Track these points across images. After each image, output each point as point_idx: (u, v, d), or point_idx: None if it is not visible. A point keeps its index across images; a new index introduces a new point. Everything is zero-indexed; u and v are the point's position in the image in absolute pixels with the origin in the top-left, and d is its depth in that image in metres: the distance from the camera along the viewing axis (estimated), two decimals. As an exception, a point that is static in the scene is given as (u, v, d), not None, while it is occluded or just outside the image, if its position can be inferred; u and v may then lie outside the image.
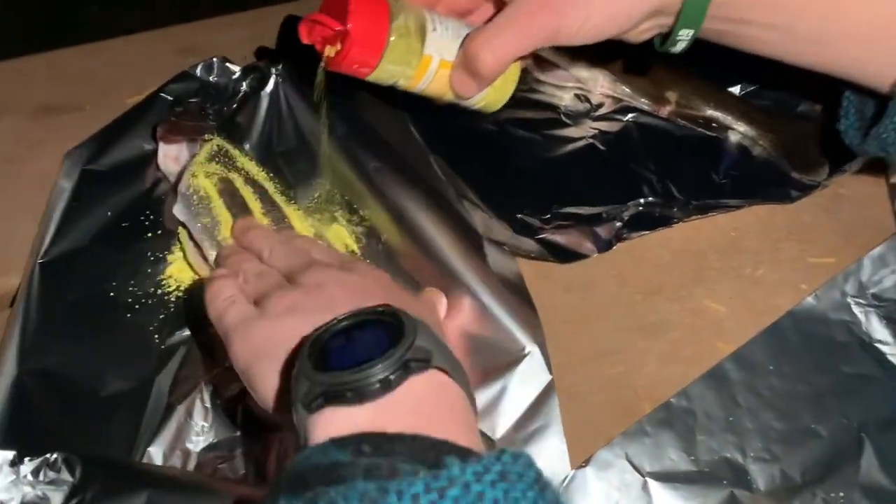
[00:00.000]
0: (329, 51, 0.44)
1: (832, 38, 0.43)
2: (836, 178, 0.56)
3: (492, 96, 0.49)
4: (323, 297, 0.37)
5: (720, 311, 0.51)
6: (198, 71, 0.58)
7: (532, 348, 0.46)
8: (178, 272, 0.52)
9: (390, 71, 0.45)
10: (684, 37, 0.45)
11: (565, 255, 0.53)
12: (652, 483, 0.44)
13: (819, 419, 0.45)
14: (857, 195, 0.56)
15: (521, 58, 0.46)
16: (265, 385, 0.36)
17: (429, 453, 0.28)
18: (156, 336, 0.49)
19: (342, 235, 0.54)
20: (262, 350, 0.36)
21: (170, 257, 0.53)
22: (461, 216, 0.52)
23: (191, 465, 0.44)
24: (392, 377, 0.31)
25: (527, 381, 0.46)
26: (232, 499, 0.40)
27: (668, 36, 0.46)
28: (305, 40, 0.44)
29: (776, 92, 0.61)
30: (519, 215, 0.54)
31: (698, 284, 0.52)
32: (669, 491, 0.44)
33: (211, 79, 0.58)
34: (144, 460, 0.43)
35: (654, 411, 0.46)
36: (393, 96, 0.57)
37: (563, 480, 0.44)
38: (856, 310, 0.48)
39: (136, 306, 0.50)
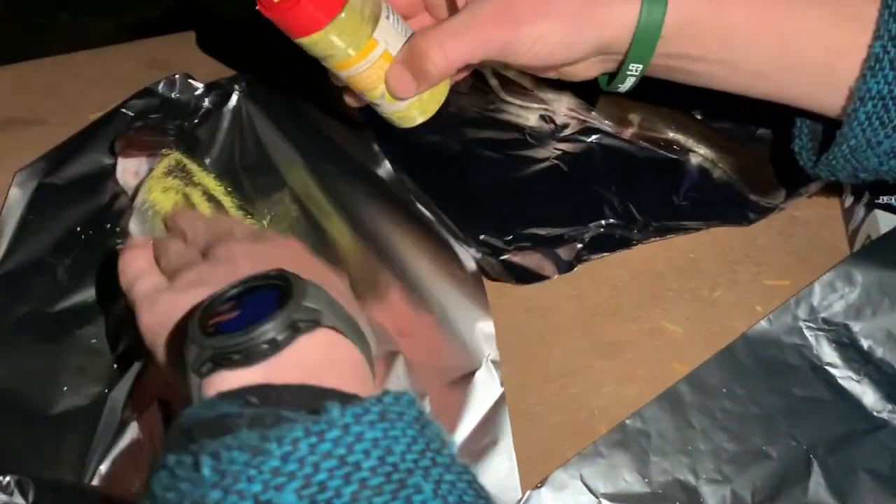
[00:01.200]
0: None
1: (782, 70, 0.44)
2: (792, 201, 0.57)
3: (416, 108, 0.47)
4: (228, 268, 0.37)
5: (677, 332, 0.52)
6: (160, 87, 0.59)
7: (485, 362, 0.47)
8: None
9: (331, 42, 0.41)
10: (633, 72, 0.45)
11: (526, 277, 0.54)
12: (605, 504, 0.45)
13: (769, 441, 0.46)
14: (812, 218, 0.57)
15: (460, 71, 0.46)
16: (166, 356, 0.36)
17: (313, 401, 0.28)
18: (111, 350, 0.49)
19: None
20: (166, 322, 0.36)
21: None
22: (425, 222, 0.53)
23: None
24: (279, 338, 0.31)
25: (479, 395, 0.46)
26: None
27: (615, 74, 0.46)
28: None
29: (736, 116, 0.62)
30: (482, 236, 0.55)
31: (656, 305, 0.53)
32: (622, 512, 0.44)
33: (173, 95, 0.59)
34: (96, 480, 0.43)
35: (609, 433, 0.47)
36: (363, 113, 0.59)
37: (519, 501, 0.44)
38: (807, 333, 0.49)
39: (90, 320, 0.50)
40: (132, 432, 0.46)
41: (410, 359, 0.48)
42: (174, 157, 0.54)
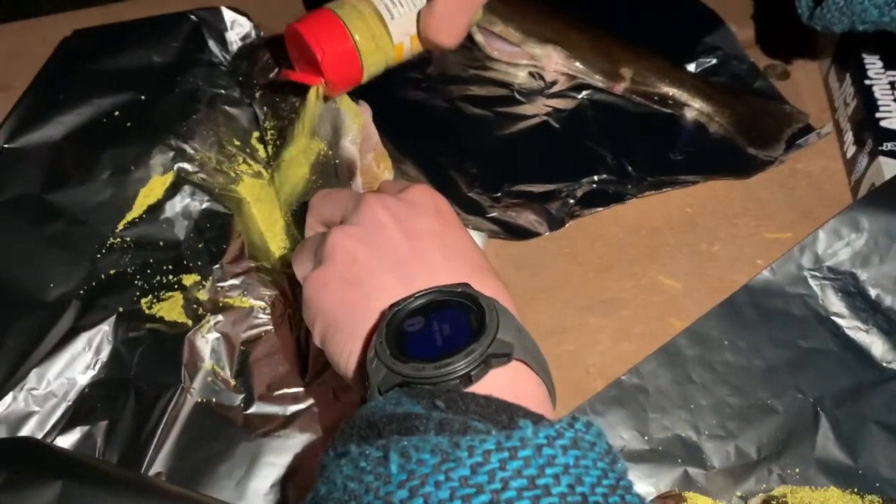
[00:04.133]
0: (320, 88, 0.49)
1: None
2: (792, 153, 0.55)
3: None
4: (416, 259, 0.34)
5: (675, 287, 0.50)
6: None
7: None
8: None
9: (374, 71, 0.49)
10: None
11: (517, 233, 0.51)
12: (603, 462, 0.42)
13: (774, 394, 0.44)
14: (813, 170, 0.55)
15: None
16: (339, 353, 0.34)
17: (501, 415, 0.27)
18: (96, 256, 0.48)
19: None
20: (339, 311, 0.34)
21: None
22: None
23: (72, 397, 0.43)
24: (473, 373, 0.29)
25: None
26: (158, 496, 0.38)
27: None
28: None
29: (733, 68, 0.60)
30: (469, 193, 0.53)
31: (653, 261, 0.51)
32: (621, 470, 0.42)
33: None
34: (28, 383, 0.43)
35: (604, 389, 0.44)
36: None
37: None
38: (812, 283, 0.47)
39: (86, 219, 0.49)
40: (78, 344, 0.45)
41: None
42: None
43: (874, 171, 0.50)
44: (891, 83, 0.54)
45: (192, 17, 0.57)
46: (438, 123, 0.57)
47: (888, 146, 0.51)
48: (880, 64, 0.55)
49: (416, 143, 0.55)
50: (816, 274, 0.47)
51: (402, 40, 0.49)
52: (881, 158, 0.50)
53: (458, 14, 0.48)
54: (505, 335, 0.30)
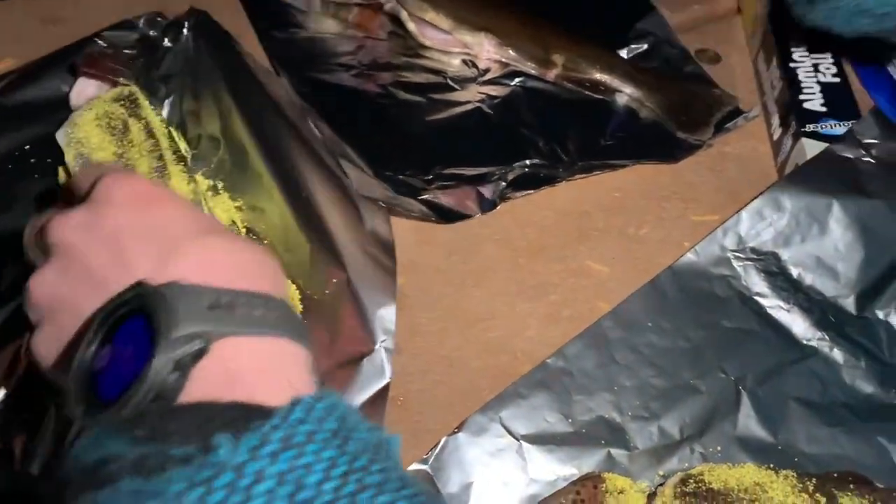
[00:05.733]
0: None
1: None
2: (721, 136, 0.55)
3: None
4: (107, 265, 0.29)
5: (603, 271, 0.50)
6: (140, 22, 0.56)
7: (378, 348, 0.44)
8: None
9: None
10: None
11: (447, 215, 0.51)
12: (527, 446, 0.42)
13: (698, 374, 0.44)
14: (741, 153, 0.55)
15: None
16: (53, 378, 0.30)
17: (204, 429, 0.23)
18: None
19: (228, 208, 0.51)
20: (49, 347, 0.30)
21: None
22: (337, 178, 0.50)
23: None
24: (168, 388, 0.25)
25: (363, 382, 0.43)
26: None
27: None
28: None
29: (664, 53, 0.60)
30: (401, 176, 0.52)
31: (581, 244, 0.51)
32: (545, 454, 0.42)
33: (151, 32, 0.56)
34: None
35: (529, 373, 0.44)
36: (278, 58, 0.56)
37: (434, 448, 0.42)
38: (735, 264, 0.47)
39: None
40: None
41: (310, 329, 0.44)
42: (129, 88, 0.51)
43: (798, 153, 0.51)
44: (814, 66, 0.55)
45: (99, 41, 0.56)
46: (372, 108, 0.57)
47: (810, 128, 0.51)
48: (804, 47, 0.56)
49: (349, 127, 0.55)
50: (739, 255, 0.47)
51: None
52: (804, 140, 0.51)
53: None
54: (191, 325, 0.26)
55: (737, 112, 0.56)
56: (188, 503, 0.21)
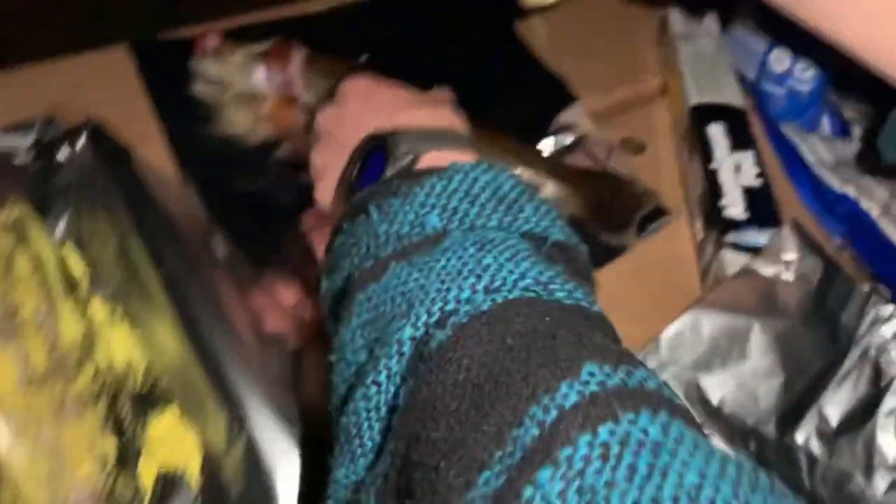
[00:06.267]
0: None
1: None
2: (643, 236, 0.55)
3: None
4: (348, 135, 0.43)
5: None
6: (35, 126, 0.52)
7: None
8: None
9: None
10: None
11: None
12: None
13: None
14: (664, 255, 0.55)
15: None
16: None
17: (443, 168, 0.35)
18: None
19: (126, 343, 0.48)
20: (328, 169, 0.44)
21: None
22: (239, 313, 0.48)
23: None
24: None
25: None
26: None
27: None
28: None
29: (587, 146, 0.59)
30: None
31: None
32: None
33: (45, 138, 0.52)
34: None
35: None
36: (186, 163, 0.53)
37: None
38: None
39: None
40: None
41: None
42: (16, 211, 0.47)
43: (719, 264, 0.50)
44: (736, 166, 0.54)
45: None
46: (283, 218, 0.55)
47: (732, 237, 0.51)
48: (726, 143, 0.55)
49: (261, 242, 0.53)
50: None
51: None
52: (725, 252, 0.50)
53: None
54: (406, 147, 0.38)
55: (659, 211, 0.55)
56: (438, 187, 0.34)
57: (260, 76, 0.57)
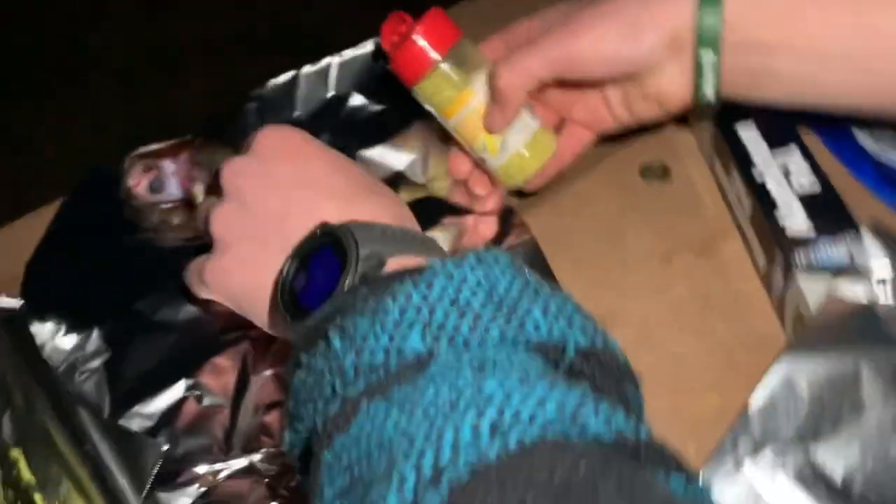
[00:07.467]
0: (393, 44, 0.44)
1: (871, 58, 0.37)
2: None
3: (516, 164, 0.46)
4: (278, 224, 0.37)
5: None
6: None
7: None
8: None
9: (444, 75, 0.44)
10: (708, 65, 0.39)
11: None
12: None
13: None
14: (725, 302, 0.44)
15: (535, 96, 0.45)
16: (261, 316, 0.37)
17: (415, 273, 0.29)
18: None
19: None
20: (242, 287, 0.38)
21: None
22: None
23: None
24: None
25: None
26: None
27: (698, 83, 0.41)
28: (383, 41, 0.44)
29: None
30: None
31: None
32: None
33: None
34: None
35: None
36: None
37: None
38: (755, 476, 0.36)
39: None
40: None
41: None
42: None
43: (795, 295, 0.40)
44: (783, 168, 0.44)
45: None
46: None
47: (802, 257, 0.40)
48: (766, 144, 0.45)
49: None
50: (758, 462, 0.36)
51: (475, 90, 0.45)
52: (798, 278, 0.40)
53: (532, 57, 0.43)
54: (370, 247, 0.32)
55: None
56: (416, 297, 0.27)
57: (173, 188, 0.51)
